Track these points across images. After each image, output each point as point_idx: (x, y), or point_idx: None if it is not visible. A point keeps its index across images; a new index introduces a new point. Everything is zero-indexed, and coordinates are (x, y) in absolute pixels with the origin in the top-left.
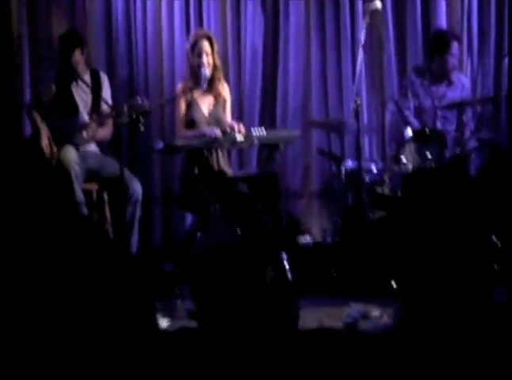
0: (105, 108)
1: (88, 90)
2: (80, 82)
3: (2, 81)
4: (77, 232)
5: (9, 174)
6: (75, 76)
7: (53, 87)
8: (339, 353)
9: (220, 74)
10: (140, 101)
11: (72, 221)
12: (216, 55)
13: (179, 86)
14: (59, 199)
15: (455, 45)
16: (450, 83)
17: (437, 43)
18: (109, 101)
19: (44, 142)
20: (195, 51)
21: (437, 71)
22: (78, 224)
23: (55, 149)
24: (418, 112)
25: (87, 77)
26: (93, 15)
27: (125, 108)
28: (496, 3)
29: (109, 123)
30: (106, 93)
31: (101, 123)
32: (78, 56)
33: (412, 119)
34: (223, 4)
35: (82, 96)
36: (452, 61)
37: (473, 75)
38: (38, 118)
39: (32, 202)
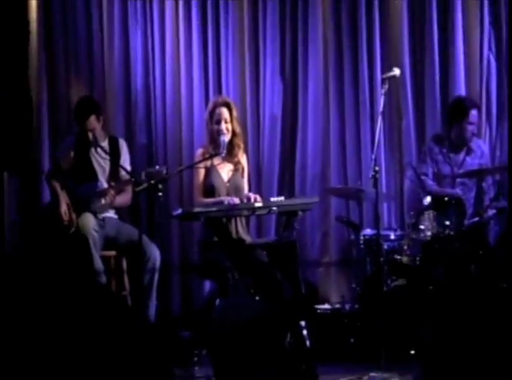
0: (123, 174)
1: (106, 157)
2: (98, 149)
3: (21, 148)
4: (95, 300)
5: (30, 241)
6: (93, 143)
7: (72, 154)
8: None
9: (240, 141)
10: (158, 169)
11: (90, 288)
12: (236, 122)
13: (198, 153)
14: (77, 267)
15: (473, 113)
16: (469, 150)
17: (456, 110)
18: (128, 168)
19: (63, 208)
20: (214, 117)
21: (455, 139)
22: (95, 292)
23: (74, 216)
24: (437, 179)
25: (106, 144)
26: (112, 82)
27: (143, 176)
28: None
29: (129, 189)
30: (125, 159)
31: (119, 190)
32: (93, 122)
33: (430, 182)
34: (242, 72)
35: (100, 162)
36: (471, 128)
37: (492, 142)
38: (57, 185)
39: (51, 270)
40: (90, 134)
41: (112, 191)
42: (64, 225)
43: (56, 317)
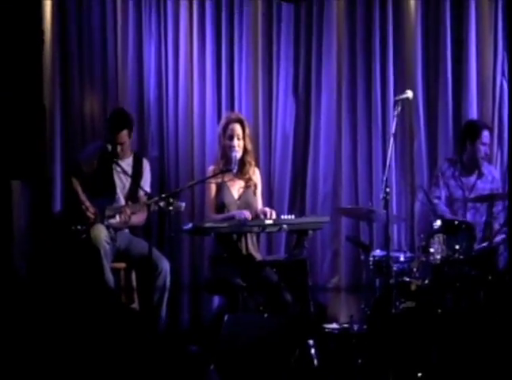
0: (141, 195)
1: (128, 174)
2: (121, 163)
3: (34, 157)
4: (105, 311)
5: (41, 251)
6: (118, 158)
7: (95, 162)
8: None
9: (251, 158)
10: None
11: (100, 299)
12: (248, 139)
13: (210, 169)
14: (88, 277)
15: (486, 134)
16: (480, 174)
17: (469, 131)
18: (148, 189)
19: (87, 203)
20: (226, 133)
21: (468, 161)
22: (106, 303)
23: (94, 209)
24: (449, 202)
25: (130, 161)
26: (126, 94)
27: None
28: None
29: (144, 209)
30: (146, 180)
31: (134, 212)
32: (124, 136)
33: (443, 207)
34: (255, 89)
35: (121, 178)
36: (484, 149)
37: (503, 167)
38: (78, 184)
39: (63, 280)
40: (119, 148)
41: (128, 211)
42: (89, 217)
43: (67, 326)
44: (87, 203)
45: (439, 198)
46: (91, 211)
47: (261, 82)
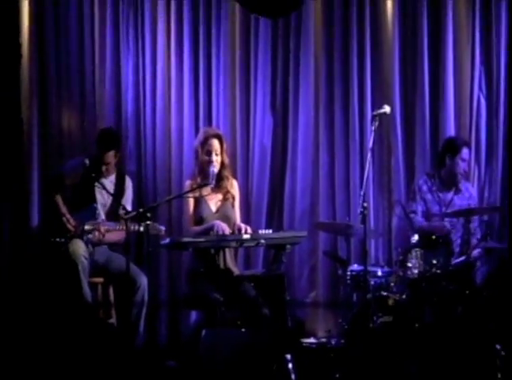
0: (122, 213)
1: (111, 192)
2: (104, 181)
3: (12, 172)
4: (82, 325)
5: (20, 265)
6: (101, 177)
7: (78, 177)
8: None
9: (228, 173)
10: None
11: (78, 314)
12: (225, 154)
13: (187, 183)
14: (66, 291)
15: (466, 150)
16: (458, 190)
17: (449, 147)
18: (129, 208)
19: (67, 216)
20: (204, 148)
21: (446, 176)
22: (83, 317)
23: (75, 222)
24: (426, 217)
25: (113, 178)
26: (103, 109)
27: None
28: (504, 114)
29: (123, 228)
30: (127, 199)
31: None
32: (110, 156)
33: (419, 219)
34: (233, 103)
35: (103, 195)
36: (463, 165)
37: (480, 183)
38: (59, 198)
39: (41, 293)
40: (104, 167)
41: (102, 229)
42: (70, 230)
43: (44, 339)
44: (68, 216)
45: (415, 213)
46: (72, 224)
47: (239, 97)
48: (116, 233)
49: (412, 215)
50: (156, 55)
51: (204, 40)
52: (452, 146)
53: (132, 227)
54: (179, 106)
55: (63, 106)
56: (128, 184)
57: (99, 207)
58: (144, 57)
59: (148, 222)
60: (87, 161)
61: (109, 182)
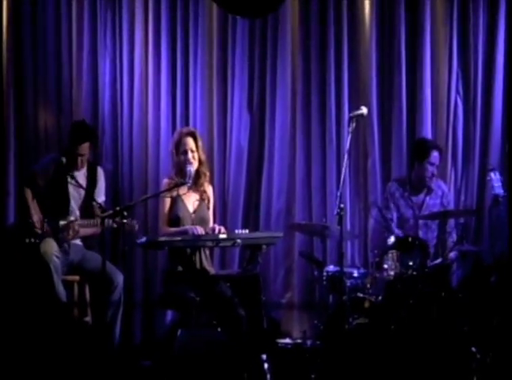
0: (97, 209)
1: (83, 186)
2: (77, 175)
3: None
4: (56, 324)
5: None
6: (73, 170)
7: (50, 174)
8: None
9: (206, 169)
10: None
11: (51, 314)
12: (201, 151)
13: (164, 182)
14: (39, 291)
15: (435, 154)
16: (429, 190)
17: (418, 150)
18: (103, 198)
19: (35, 217)
20: (180, 149)
21: (416, 180)
22: (56, 317)
23: (45, 226)
24: (401, 222)
25: (84, 171)
26: (80, 108)
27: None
28: (481, 117)
29: (97, 223)
30: (100, 190)
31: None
32: (86, 148)
33: (395, 230)
34: (210, 103)
35: (76, 189)
36: (431, 169)
37: (457, 186)
38: (29, 195)
39: (14, 292)
40: (79, 159)
41: (76, 227)
42: (37, 232)
43: (17, 339)
44: (35, 218)
45: (391, 220)
46: (38, 227)
47: (216, 97)
48: (91, 228)
49: (390, 223)
50: (133, 54)
51: (181, 40)
52: (422, 150)
53: (107, 223)
54: (156, 105)
55: (40, 105)
56: (100, 174)
57: (72, 202)
58: (121, 55)
59: (125, 221)
60: (64, 160)
61: (82, 175)
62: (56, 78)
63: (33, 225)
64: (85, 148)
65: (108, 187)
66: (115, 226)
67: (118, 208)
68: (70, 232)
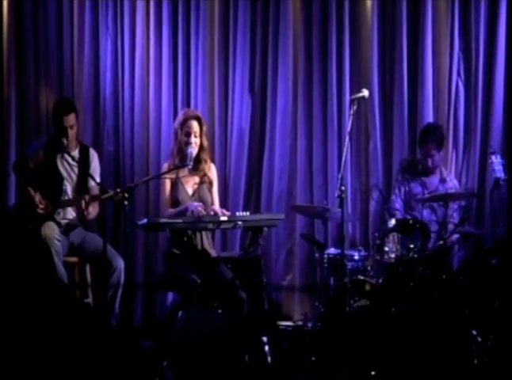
0: (92, 185)
1: (75, 164)
2: (66, 156)
3: None
4: (57, 304)
5: None
6: (64, 148)
7: (41, 155)
8: None
9: (207, 156)
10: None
11: (52, 294)
12: (204, 137)
13: (164, 167)
14: (40, 274)
15: (431, 146)
16: (443, 180)
17: (419, 138)
18: (97, 179)
19: (37, 198)
20: (183, 130)
21: (423, 161)
22: (58, 297)
23: (45, 203)
24: (408, 197)
25: (76, 153)
26: (81, 88)
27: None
28: (483, 100)
29: (96, 204)
30: (94, 170)
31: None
32: (72, 119)
33: (398, 206)
34: (212, 85)
35: (67, 169)
36: (429, 160)
37: (458, 169)
38: (26, 182)
39: (15, 275)
40: (65, 140)
41: (82, 203)
42: (39, 213)
43: (18, 321)
44: (37, 199)
45: (397, 194)
46: (41, 206)
47: (218, 79)
48: (93, 210)
49: (393, 197)
50: (135, 35)
51: (182, 22)
52: (420, 139)
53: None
54: (157, 88)
55: (41, 87)
56: (93, 155)
57: (65, 182)
58: (123, 38)
59: (126, 203)
60: (65, 141)
61: (73, 157)
62: (58, 61)
63: (36, 205)
64: (71, 119)
65: (109, 168)
66: (111, 192)
67: (119, 190)
68: (81, 208)
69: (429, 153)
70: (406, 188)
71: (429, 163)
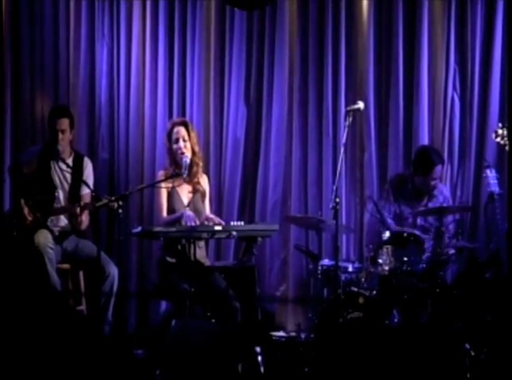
0: (84, 193)
1: (68, 171)
2: (61, 163)
3: None
4: (50, 311)
5: None
6: (57, 155)
7: (35, 162)
8: None
9: (199, 160)
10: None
11: (45, 302)
12: (194, 141)
13: (160, 173)
14: (33, 282)
15: (438, 169)
16: (431, 197)
17: (421, 163)
18: (91, 187)
19: (26, 210)
20: (172, 137)
21: (419, 186)
22: (51, 304)
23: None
24: (398, 217)
25: (70, 161)
26: (77, 96)
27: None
28: (478, 114)
29: (87, 212)
30: (87, 177)
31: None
32: (65, 123)
33: (390, 221)
34: (207, 94)
35: (60, 177)
36: (434, 183)
37: (453, 182)
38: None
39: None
40: (59, 147)
41: (77, 211)
42: (28, 224)
43: (12, 327)
44: (25, 211)
45: (388, 211)
46: (30, 218)
47: (213, 88)
48: (86, 217)
49: (386, 215)
50: (131, 42)
51: (179, 31)
52: (425, 164)
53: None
54: (153, 95)
55: (36, 93)
56: (87, 163)
57: (58, 189)
58: (119, 44)
59: (120, 211)
60: (60, 148)
61: (67, 165)
62: (53, 67)
63: (24, 217)
64: (63, 123)
65: (104, 176)
66: (105, 200)
67: (113, 197)
68: (75, 218)
69: (436, 176)
70: (397, 211)
71: (435, 184)
